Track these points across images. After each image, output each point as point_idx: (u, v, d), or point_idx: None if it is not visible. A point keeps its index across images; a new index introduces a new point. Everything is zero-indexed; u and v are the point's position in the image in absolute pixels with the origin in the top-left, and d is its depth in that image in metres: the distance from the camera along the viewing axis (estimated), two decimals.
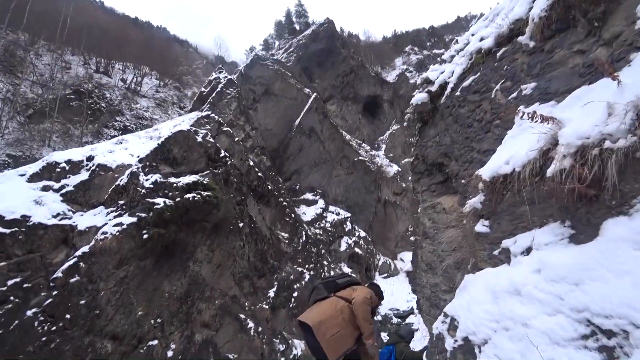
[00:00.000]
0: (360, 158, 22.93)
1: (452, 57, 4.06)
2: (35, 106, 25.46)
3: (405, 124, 4.56)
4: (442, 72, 4.02)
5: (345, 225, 18.95)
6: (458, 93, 3.60)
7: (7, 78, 25.44)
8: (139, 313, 8.99)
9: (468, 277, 2.40)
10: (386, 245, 22.66)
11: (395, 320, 17.18)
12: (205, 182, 10.76)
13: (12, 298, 8.21)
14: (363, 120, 30.21)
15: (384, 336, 15.70)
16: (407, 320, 17.14)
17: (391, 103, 32.07)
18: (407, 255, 23.32)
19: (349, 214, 20.00)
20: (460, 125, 3.50)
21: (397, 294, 19.13)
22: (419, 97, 4.10)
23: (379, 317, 16.93)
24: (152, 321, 9.02)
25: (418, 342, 12.13)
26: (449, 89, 3.79)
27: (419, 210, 4.49)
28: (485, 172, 2.39)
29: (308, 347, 3.27)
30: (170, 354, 8.87)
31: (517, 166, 2.14)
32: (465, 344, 1.97)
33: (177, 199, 10.10)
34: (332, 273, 14.48)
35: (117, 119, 29.79)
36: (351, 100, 30.27)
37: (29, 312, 8.18)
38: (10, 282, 8.33)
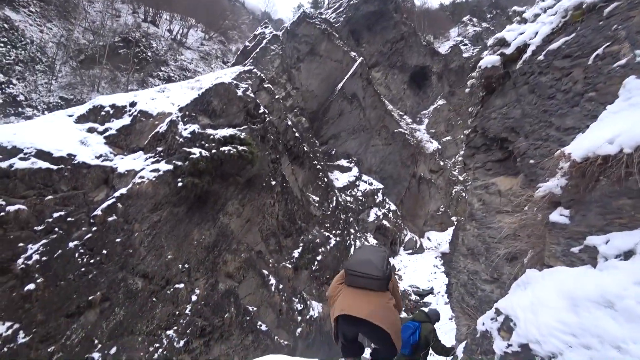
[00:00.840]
0: (400, 130, 22.02)
1: (537, 15, 3.39)
2: (87, 52, 26.21)
3: (467, 90, 3.98)
4: (522, 33, 3.36)
5: (376, 197, 18.55)
6: (541, 57, 2.99)
7: (61, 23, 26.15)
8: (169, 257, 9.25)
9: (531, 273, 1.99)
10: (415, 222, 22.15)
11: (413, 297, 17.00)
12: (242, 136, 10.60)
13: (56, 229, 8.64)
14: (408, 92, 28.78)
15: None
16: (425, 300, 16.91)
17: (440, 76, 30.20)
18: (434, 235, 22.76)
19: (381, 186, 19.51)
20: (538, 97, 2.93)
21: (419, 271, 18.83)
22: (489, 59, 3.49)
23: None
24: (180, 266, 9.27)
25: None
26: (528, 52, 3.17)
27: (467, 188, 4.01)
28: (577, 150, 1.91)
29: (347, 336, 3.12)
30: (194, 298, 9.14)
31: (629, 147, 1.65)
32: (523, 352, 1.61)
33: (213, 151, 10.03)
34: (358, 243, 14.30)
35: (162, 69, 30.19)
36: (398, 69, 28.76)
37: (71, 244, 8.59)
38: (55, 215, 8.74)
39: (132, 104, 12.10)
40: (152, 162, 10.24)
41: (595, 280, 1.55)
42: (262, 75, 14.82)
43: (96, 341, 8.31)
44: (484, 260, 3.54)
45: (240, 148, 10.10)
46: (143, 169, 10.07)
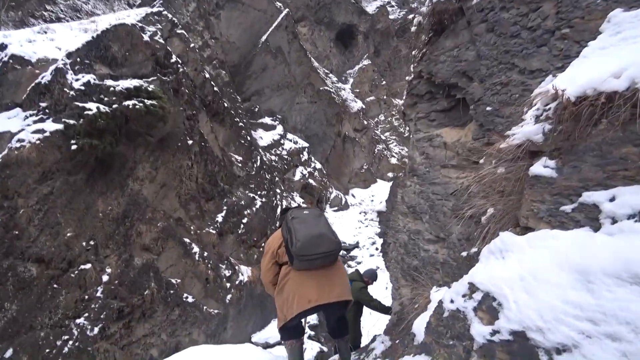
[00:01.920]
0: (326, 88, 21.45)
1: None
2: None
3: (413, 28, 3.49)
4: None
5: (302, 155, 18.10)
6: None
7: None
8: (68, 234, 7.79)
9: (508, 237, 1.64)
10: (340, 180, 22.42)
11: (341, 252, 17.45)
12: (150, 88, 9.06)
13: None
14: (334, 50, 27.97)
15: None
16: (352, 254, 17.52)
17: (366, 36, 29.78)
18: (359, 192, 23.43)
19: (307, 144, 19.06)
20: (498, 36, 2.54)
21: (345, 227, 19.33)
22: None
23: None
24: (84, 243, 7.90)
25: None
26: None
27: (410, 141, 3.65)
28: (571, 87, 1.53)
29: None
30: (105, 278, 7.94)
31: None
32: (517, 342, 1.24)
33: (115, 106, 8.43)
34: (284, 203, 13.85)
35: (48, 7, 24.80)
36: (325, 26, 27.61)
37: None
38: None
39: (2, 47, 9.60)
40: (35, 122, 8.32)
41: (610, 248, 1.21)
42: (174, 19, 12.80)
43: None
44: (427, 219, 3.27)
45: (149, 102, 8.64)
46: (22, 129, 8.15)
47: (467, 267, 2.26)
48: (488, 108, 2.57)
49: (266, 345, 10.85)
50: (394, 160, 26.52)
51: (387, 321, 7.68)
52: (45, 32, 11.09)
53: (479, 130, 2.67)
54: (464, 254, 2.34)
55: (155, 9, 12.96)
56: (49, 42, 10.42)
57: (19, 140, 7.86)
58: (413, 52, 3.82)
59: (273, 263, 2.87)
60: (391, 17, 32.37)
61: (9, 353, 6.92)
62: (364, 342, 5.83)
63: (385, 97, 28.94)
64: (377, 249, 17.42)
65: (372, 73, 28.69)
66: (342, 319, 3.08)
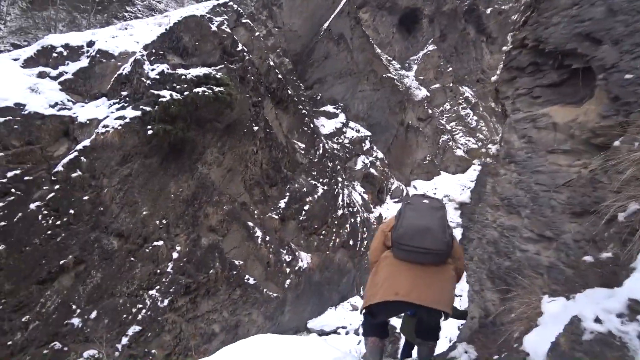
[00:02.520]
0: (389, 75, 20.58)
1: None
2: None
3: None
4: None
5: (363, 144, 17.61)
6: None
7: None
8: (144, 213, 8.30)
9: None
10: (402, 171, 21.55)
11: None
12: (218, 76, 9.23)
13: (13, 190, 7.58)
14: (397, 35, 26.72)
15: None
16: None
17: (431, 19, 28.03)
18: (420, 184, 22.36)
19: (369, 133, 18.49)
20: None
21: None
22: None
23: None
24: (157, 222, 8.36)
25: None
26: None
27: (506, 123, 3.10)
28: None
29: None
30: (175, 255, 8.36)
31: None
32: None
33: (186, 93, 8.72)
34: (346, 191, 13.55)
35: (128, 9, 26.85)
36: (387, 11, 26.45)
37: (32, 206, 7.59)
38: (10, 174, 7.63)
39: (90, 44, 10.41)
40: (117, 109, 8.91)
41: None
42: (239, 9, 12.98)
43: (74, 306, 7.62)
44: (527, 214, 2.73)
45: (217, 89, 8.81)
46: (107, 116, 8.77)
47: (595, 277, 1.77)
48: (627, 76, 1.98)
49: (321, 333, 10.80)
50: (459, 152, 24.88)
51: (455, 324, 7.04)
52: (126, 29, 11.86)
53: (610, 105, 2.09)
54: (588, 258, 1.84)
55: (221, 1, 13.23)
56: (129, 37, 11.13)
57: (104, 126, 8.48)
58: (513, 17, 3.22)
59: (381, 243, 2.64)
60: None
61: (93, 315, 7.61)
62: None
63: (451, 84, 27.12)
64: None
65: (438, 59, 26.98)
66: (434, 325, 2.74)
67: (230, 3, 12.96)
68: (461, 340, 3.14)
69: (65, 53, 9.96)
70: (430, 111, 23.89)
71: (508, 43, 3.16)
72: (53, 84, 9.38)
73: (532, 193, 2.67)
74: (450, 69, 27.45)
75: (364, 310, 2.61)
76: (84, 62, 9.87)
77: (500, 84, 3.11)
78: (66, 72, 9.62)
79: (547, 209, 2.52)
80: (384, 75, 20.43)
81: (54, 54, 9.83)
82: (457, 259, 2.60)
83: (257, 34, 12.84)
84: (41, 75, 9.46)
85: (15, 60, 9.71)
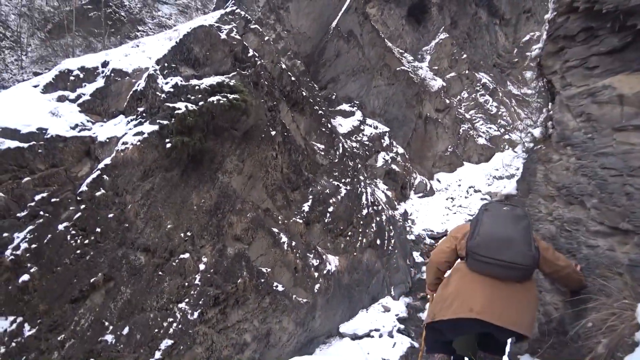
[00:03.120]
0: (402, 68, 20.06)
1: None
2: (54, 20, 23.43)
3: None
4: None
5: (383, 140, 17.18)
6: None
7: None
8: (169, 226, 8.20)
9: None
10: (423, 164, 20.97)
11: (428, 241, 16.32)
12: (231, 83, 9.07)
13: (42, 213, 7.63)
14: (407, 27, 26.10)
15: (416, 255, 14.95)
16: None
17: (440, 7, 27.26)
18: (444, 176, 21.70)
19: (387, 129, 18.05)
20: None
21: (431, 214, 18.05)
22: None
23: (412, 237, 16.08)
24: (182, 234, 8.25)
25: None
26: None
27: (556, 101, 2.70)
28: None
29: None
30: (202, 267, 8.23)
31: None
32: None
33: (201, 103, 8.59)
34: (369, 190, 13.19)
35: (140, 28, 27.42)
36: (394, 3, 25.86)
37: (61, 227, 7.56)
38: (37, 197, 7.68)
39: (104, 64, 10.45)
40: (135, 125, 8.87)
41: None
42: (247, 16, 12.84)
43: (107, 323, 7.59)
44: (594, 204, 2.33)
45: (231, 96, 8.64)
46: (125, 133, 8.74)
47: None
48: None
49: (354, 337, 10.47)
50: (481, 141, 24.02)
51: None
52: (138, 46, 11.92)
53: None
54: None
55: (228, 9, 13.14)
56: (141, 54, 11.15)
57: (123, 143, 8.44)
58: None
59: (452, 248, 2.37)
60: None
61: (125, 330, 7.55)
62: None
63: (467, 71, 26.25)
64: None
65: (451, 47, 26.18)
66: (504, 342, 2.41)
67: (238, 10, 12.86)
68: (522, 351, 2.75)
69: (81, 75, 10.04)
70: (447, 101, 23.18)
71: (549, 11, 2.76)
72: (72, 106, 9.46)
73: (599, 179, 2.28)
74: (465, 55, 26.60)
75: (426, 324, 2.31)
76: (99, 82, 9.92)
77: (545, 58, 2.72)
78: (84, 94, 9.68)
79: (621, 197, 2.13)
80: (398, 69, 19.94)
81: (71, 77, 9.92)
82: (555, 265, 2.21)
83: (266, 38, 12.67)
84: (60, 99, 9.56)
85: (35, 87, 9.86)
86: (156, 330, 7.79)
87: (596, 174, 2.28)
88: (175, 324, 7.95)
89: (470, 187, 20.71)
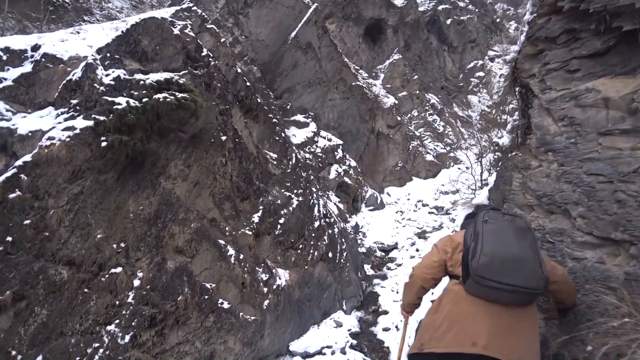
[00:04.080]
0: (358, 83, 20.36)
1: None
2: None
3: None
4: None
5: (336, 153, 17.10)
6: None
7: None
8: (99, 236, 7.16)
9: None
10: (374, 178, 21.25)
11: (379, 253, 16.36)
12: (180, 81, 8.35)
13: None
14: (363, 46, 26.86)
15: (368, 268, 14.85)
16: (391, 255, 16.32)
17: (395, 30, 28.48)
18: (394, 190, 22.16)
19: (340, 142, 18.04)
20: None
21: (382, 227, 18.20)
22: None
23: (363, 249, 16.01)
24: (115, 245, 7.24)
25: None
26: None
27: (535, 105, 2.55)
28: None
29: None
30: (137, 283, 7.25)
31: None
32: None
33: (145, 100, 7.76)
34: (321, 202, 12.89)
35: (85, 18, 25.13)
36: (353, 21, 26.58)
37: None
38: None
39: (35, 48, 9.20)
40: (66, 119, 7.79)
41: None
42: (204, 14, 12.18)
43: (14, 352, 6.34)
44: (580, 212, 2.16)
45: (180, 95, 7.92)
46: (53, 127, 7.61)
47: None
48: None
49: (305, 355, 9.93)
50: (429, 157, 25.03)
51: None
52: (78, 33, 10.72)
53: None
54: None
55: (184, 6, 12.41)
56: (81, 41, 10.00)
57: (49, 138, 7.33)
58: None
59: (441, 264, 1.95)
60: (420, 9, 30.90)
61: None
62: None
63: (417, 91, 27.48)
64: (417, 250, 16.14)
65: (403, 67, 27.32)
66: None
67: (194, 8, 12.17)
68: None
69: (4, 57, 8.68)
70: (399, 118, 23.93)
71: (526, 13, 2.65)
72: None
73: (585, 186, 2.12)
74: (416, 76, 27.86)
75: (411, 355, 1.90)
76: (27, 67, 8.65)
77: (522, 61, 2.58)
78: (5, 79, 8.36)
79: (612, 205, 1.97)
80: (353, 84, 20.20)
81: None
82: (561, 285, 1.93)
83: (222, 40, 12.08)
84: None
85: None
86: (78, 358, 6.65)
87: (582, 180, 2.12)
88: (102, 350, 6.85)
89: (418, 201, 21.31)
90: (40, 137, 7.57)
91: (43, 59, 8.80)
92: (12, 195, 6.85)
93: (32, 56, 9.04)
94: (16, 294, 6.48)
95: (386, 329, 11.19)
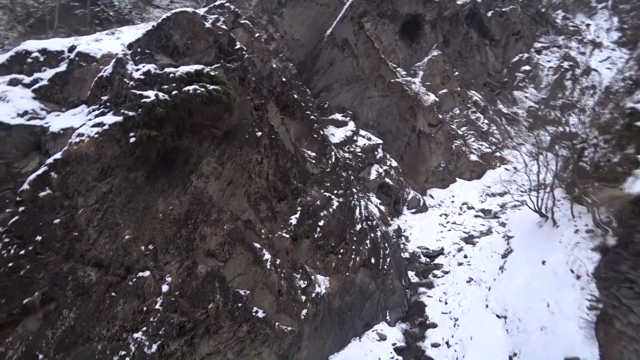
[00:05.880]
0: (397, 80, 19.14)
1: None
2: (36, 14, 21.96)
3: None
4: None
5: (376, 152, 16.00)
6: None
7: None
8: (126, 237, 6.62)
9: None
10: (416, 179, 19.81)
11: (423, 259, 14.91)
12: (212, 73, 7.71)
13: None
14: (400, 43, 25.50)
15: (412, 275, 13.53)
16: (436, 261, 14.82)
17: (433, 25, 26.87)
18: (437, 192, 20.57)
19: (380, 141, 16.91)
20: None
21: (426, 231, 16.73)
22: None
23: (406, 255, 14.68)
24: (143, 247, 6.68)
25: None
26: None
27: None
28: None
29: None
30: (165, 288, 6.63)
31: None
32: None
33: (174, 92, 7.17)
34: (362, 203, 11.82)
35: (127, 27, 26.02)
36: (388, 19, 25.33)
37: None
38: None
39: (72, 49, 9.05)
40: (96, 116, 7.39)
41: None
42: (237, 10, 11.65)
43: (41, 356, 5.91)
44: None
45: (211, 87, 7.26)
46: (83, 124, 7.23)
47: None
48: None
49: None
50: (473, 157, 23.11)
51: None
52: (113, 33, 10.59)
53: None
54: None
55: (217, 3, 11.95)
56: (115, 40, 9.83)
57: (78, 135, 6.95)
58: None
59: None
60: (459, 2, 29.00)
61: None
62: None
63: (459, 88, 25.63)
64: (465, 256, 14.57)
65: (443, 64, 25.61)
66: None
67: (228, 4, 11.66)
68: None
69: (42, 58, 8.62)
70: (440, 116, 22.31)
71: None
72: (25, 91, 8.00)
73: None
74: (457, 73, 26.04)
75: None
76: (62, 67, 8.48)
77: None
78: (41, 79, 8.25)
79: None
80: (392, 81, 19.00)
81: (29, 60, 8.50)
82: None
83: (257, 35, 11.44)
84: (12, 82, 8.10)
85: None
86: None
87: None
88: (128, 358, 6.27)
89: (463, 204, 19.60)
90: (71, 134, 7.23)
91: (77, 58, 8.59)
92: (42, 194, 6.48)
93: (68, 57, 8.91)
94: (45, 295, 6.05)
95: (435, 345, 9.89)
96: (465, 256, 14.52)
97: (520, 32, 32.55)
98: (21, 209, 6.35)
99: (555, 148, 15.08)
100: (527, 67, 32.09)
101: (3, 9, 20.97)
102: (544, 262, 10.79)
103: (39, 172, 6.63)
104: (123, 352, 6.28)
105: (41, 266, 6.20)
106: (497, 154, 25.03)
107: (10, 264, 6.01)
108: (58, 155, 6.76)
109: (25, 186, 6.52)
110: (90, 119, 7.29)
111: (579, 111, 15.89)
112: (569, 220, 12.21)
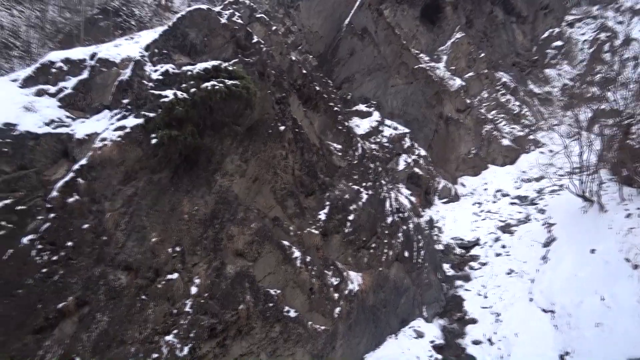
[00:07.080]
0: (420, 66, 18.26)
1: None
2: (65, 30, 22.82)
3: None
4: None
5: (403, 142, 15.31)
6: None
7: (32, 4, 22.60)
8: (153, 239, 6.46)
9: None
10: (446, 168, 18.88)
11: (458, 250, 14.12)
12: (230, 68, 7.40)
13: (4, 223, 6.00)
14: (421, 28, 24.35)
15: (447, 268, 12.81)
16: (472, 252, 13.99)
17: (455, 7, 25.48)
18: (468, 180, 19.53)
19: (407, 130, 16.17)
20: None
21: (459, 221, 15.87)
22: None
23: (440, 247, 13.95)
24: (170, 250, 6.49)
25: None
26: None
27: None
28: None
29: None
30: (194, 290, 6.43)
31: None
32: None
33: (193, 90, 6.91)
34: (392, 195, 11.24)
35: None
36: (407, 4, 24.23)
37: (25, 240, 6.00)
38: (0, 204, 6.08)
39: (93, 56, 9.01)
40: (118, 119, 7.28)
41: None
42: (252, 4, 11.31)
43: (78, 359, 5.85)
44: None
45: (230, 82, 6.95)
46: (106, 129, 7.14)
47: None
48: None
49: None
50: (505, 142, 21.79)
51: None
52: (132, 38, 10.54)
53: None
54: None
55: None
56: (134, 45, 9.73)
57: (101, 140, 6.87)
58: None
59: None
60: None
61: None
62: None
63: (486, 70, 24.21)
64: (503, 246, 13.65)
65: (468, 46, 24.22)
66: None
67: (242, 0, 11.34)
68: None
69: (65, 68, 8.61)
70: (468, 101, 21.15)
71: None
72: (51, 100, 8.02)
73: None
74: (483, 54, 24.62)
75: None
76: (84, 74, 8.47)
77: None
78: (66, 88, 8.25)
79: None
80: (416, 67, 18.14)
81: (53, 70, 8.51)
82: None
83: (274, 28, 11.06)
84: (39, 93, 8.13)
85: (13, 81, 8.52)
86: None
87: None
88: None
89: (497, 191, 18.46)
90: (95, 139, 7.18)
91: (97, 64, 8.54)
92: (71, 200, 6.43)
93: (89, 64, 8.91)
94: (79, 300, 6.02)
95: (477, 342, 9.22)
96: (504, 246, 13.59)
97: (549, 5, 30.38)
98: (52, 215, 6.34)
99: (596, 127, 13.86)
100: (559, 43, 29.87)
101: (34, 27, 21.86)
102: (592, 251, 9.83)
103: (67, 178, 6.59)
104: (156, 355, 6.15)
105: (74, 271, 6.16)
106: (531, 136, 23.46)
107: (45, 270, 6.01)
108: (83, 161, 6.70)
109: (55, 193, 6.51)
110: (112, 123, 7.19)
111: (620, 85, 14.55)
112: (617, 204, 11.12)
